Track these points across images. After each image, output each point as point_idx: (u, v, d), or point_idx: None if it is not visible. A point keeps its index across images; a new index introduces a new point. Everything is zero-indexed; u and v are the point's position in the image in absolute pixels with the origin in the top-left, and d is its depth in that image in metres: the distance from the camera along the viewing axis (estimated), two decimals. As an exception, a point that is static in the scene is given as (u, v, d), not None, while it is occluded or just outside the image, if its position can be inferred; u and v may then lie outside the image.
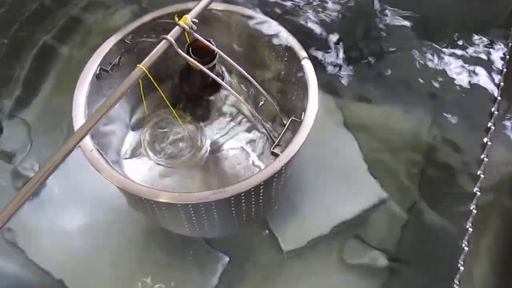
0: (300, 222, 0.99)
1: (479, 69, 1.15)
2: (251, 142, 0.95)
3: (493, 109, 1.02)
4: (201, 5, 0.75)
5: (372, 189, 1.02)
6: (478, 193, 0.91)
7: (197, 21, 0.73)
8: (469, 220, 0.89)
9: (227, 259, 0.97)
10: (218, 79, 0.76)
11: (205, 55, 0.78)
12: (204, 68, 0.75)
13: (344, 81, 1.16)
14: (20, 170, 1.09)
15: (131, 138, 0.95)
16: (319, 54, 1.18)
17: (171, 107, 0.88)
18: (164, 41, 0.70)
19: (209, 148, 0.94)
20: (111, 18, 1.31)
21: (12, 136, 1.13)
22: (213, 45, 0.77)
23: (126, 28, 0.87)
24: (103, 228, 1.01)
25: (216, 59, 0.79)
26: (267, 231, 0.99)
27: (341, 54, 1.17)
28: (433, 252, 0.95)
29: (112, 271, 0.97)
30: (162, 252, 0.98)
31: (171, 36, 0.71)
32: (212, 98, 0.93)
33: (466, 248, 0.87)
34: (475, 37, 1.19)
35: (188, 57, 0.73)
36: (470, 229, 0.89)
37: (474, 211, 0.90)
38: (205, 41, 0.75)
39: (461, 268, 0.86)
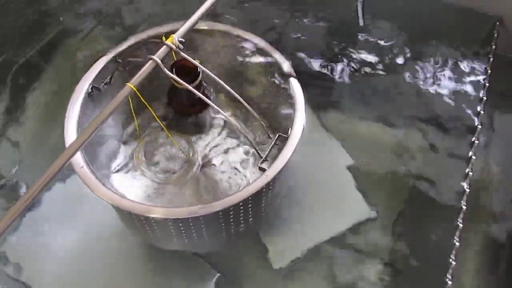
0: (291, 239, 1.00)
1: (461, 85, 1.17)
2: (240, 157, 0.96)
3: (476, 123, 1.03)
4: (187, 25, 0.76)
5: (360, 205, 1.03)
6: (464, 207, 0.91)
7: (183, 40, 0.74)
8: (456, 235, 0.89)
9: (218, 275, 0.97)
10: (205, 98, 0.77)
11: (190, 73, 0.79)
12: (190, 87, 0.76)
13: (333, 98, 1.18)
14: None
15: (123, 152, 0.95)
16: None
17: (162, 125, 0.89)
18: (151, 61, 0.72)
19: (200, 164, 0.95)
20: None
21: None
22: (198, 63, 0.79)
23: (117, 47, 0.89)
24: (94, 248, 1.00)
25: (200, 77, 0.80)
26: (259, 247, 0.99)
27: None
28: (422, 266, 0.95)
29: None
30: (153, 271, 0.98)
31: (158, 56, 0.72)
32: (200, 115, 0.95)
33: (454, 263, 0.87)
34: (459, 53, 1.21)
35: (174, 76, 0.75)
36: (457, 244, 0.89)
37: (461, 225, 0.90)
38: (191, 59, 0.77)
39: (449, 282, 0.86)
